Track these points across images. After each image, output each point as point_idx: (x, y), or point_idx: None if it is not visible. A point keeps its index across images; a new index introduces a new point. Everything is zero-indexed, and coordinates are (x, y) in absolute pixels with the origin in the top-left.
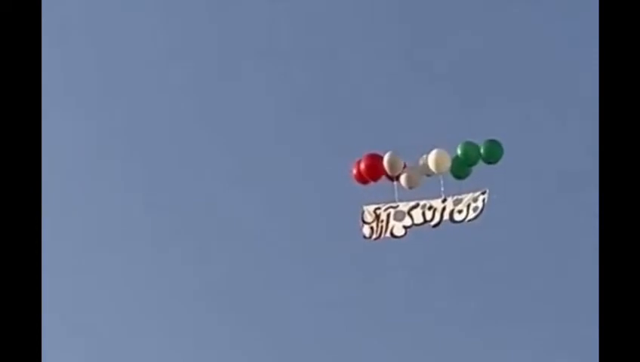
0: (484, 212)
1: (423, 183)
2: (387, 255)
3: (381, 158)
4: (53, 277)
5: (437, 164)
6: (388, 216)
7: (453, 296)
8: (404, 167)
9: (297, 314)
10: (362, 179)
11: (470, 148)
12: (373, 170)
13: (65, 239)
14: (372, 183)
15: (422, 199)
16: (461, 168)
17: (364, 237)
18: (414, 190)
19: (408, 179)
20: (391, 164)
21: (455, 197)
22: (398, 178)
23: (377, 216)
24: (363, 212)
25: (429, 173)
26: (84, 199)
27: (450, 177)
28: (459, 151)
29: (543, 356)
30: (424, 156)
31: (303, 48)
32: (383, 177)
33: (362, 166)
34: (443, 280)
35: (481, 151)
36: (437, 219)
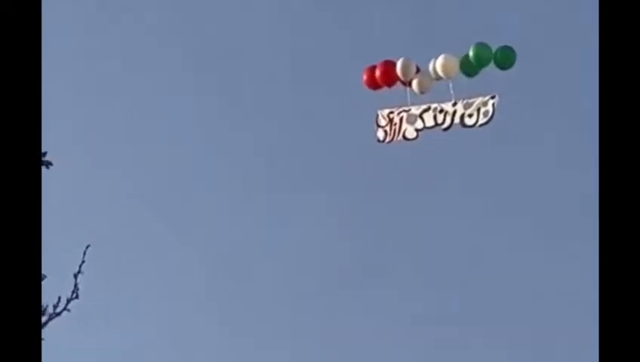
0: (495, 117)
1: (433, 88)
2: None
3: (394, 64)
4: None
5: (445, 69)
6: (401, 119)
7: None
8: (418, 71)
9: (316, 216)
10: (375, 84)
11: (483, 50)
12: (387, 76)
13: None
14: (384, 89)
15: (433, 103)
16: (472, 68)
17: (378, 140)
18: (426, 94)
19: (419, 85)
20: (404, 68)
21: (465, 101)
22: (411, 83)
23: (391, 120)
24: (377, 116)
25: (438, 78)
26: None
27: (461, 80)
28: (471, 53)
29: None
30: (433, 60)
31: None
32: (396, 83)
33: (378, 72)
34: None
35: (496, 55)
36: (448, 122)
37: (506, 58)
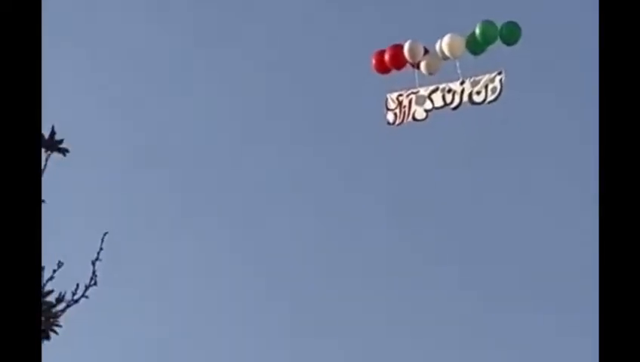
0: (502, 93)
1: (442, 68)
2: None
3: (402, 47)
4: None
5: (451, 48)
6: (410, 101)
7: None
8: (426, 52)
9: (330, 200)
10: (384, 68)
11: (489, 28)
12: (396, 59)
13: None
14: (393, 72)
15: (441, 83)
16: (478, 46)
17: (388, 123)
18: (434, 75)
19: (427, 66)
20: (412, 50)
21: (472, 79)
22: (419, 65)
23: (400, 103)
24: (386, 99)
25: (445, 58)
26: None
27: (468, 58)
28: (477, 31)
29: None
30: (439, 41)
31: None
32: (405, 65)
33: (386, 55)
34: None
35: (502, 31)
36: (457, 101)
37: (511, 34)
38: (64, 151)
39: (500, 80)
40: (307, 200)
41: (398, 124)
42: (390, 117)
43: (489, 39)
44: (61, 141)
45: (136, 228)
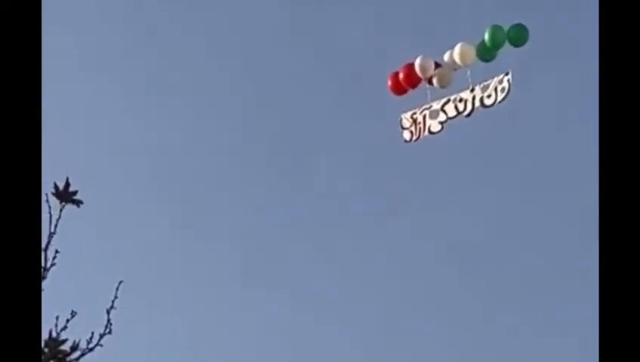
0: (511, 92)
1: (453, 80)
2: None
3: (413, 65)
4: None
5: (462, 56)
6: (424, 117)
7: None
8: (437, 66)
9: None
10: (400, 88)
11: (497, 32)
12: (410, 78)
13: None
14: (410, 92)
15: (452, 95)
16: (488, 53)
17: (405, 141)
18: (446, 88)
19: (440, 79)
20: (422, 66)
21: (482, 85)
22: (431, 79)
23: (414, 120)
24: (401, 119)
25: (456, 68)
26: None
27: (477, 66)
28: (486, 37)
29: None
30: (448, 52)
31: None
32: (420, 83)
33: (401, 75)
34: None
35: (509, 34)
36: (469, 108)
37: (519, 36)
38: (78, 203)
39: (508, 80)
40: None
41: (415, 140)
42: (407, 135)
43: (498, 44)
44: (75, 192)
45: (151, 277)
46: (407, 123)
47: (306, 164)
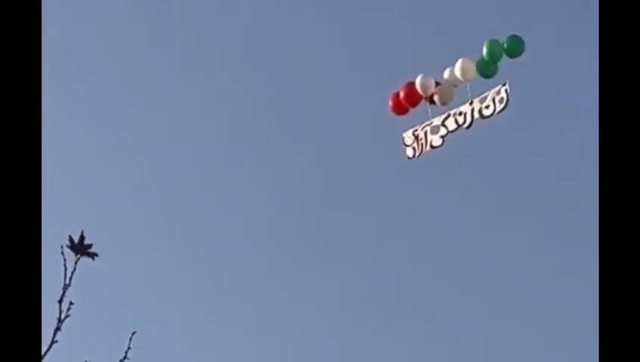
0: (510, 102)
1: (454, 96)
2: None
3: (414, 84)
4: None
5: (463, 72)
6: (425, 133)
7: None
8: (437, 85)
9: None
10: (401, 108)
11: (494, 46)
12: (411, 96)
13: None
14: (410, 111)
15: (452, 109)
16: (488, 68)
17: (409, 158)
18: (447, 105)
19: (440, 96)
20: (423, 85)
21: (480, 97)
22: (432, 98)
23: (416, 137)
24: (403, 138)
25: (456, 84)
26: None
27: (476, 81)
28: (484, 51)
29: None
30: (448, 69)
31: None
32: (421, 101)
33: (402, 94)
34: None
35: (504, 46)
36: (468, 120)
37: (515, 47)
38: (93, 256)
39: (506, 90)
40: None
41: (418, 156)
42: (409, 152)
43: (496, 57)
44: (90, 246)
45: (165, 328)
46: (409, 140)
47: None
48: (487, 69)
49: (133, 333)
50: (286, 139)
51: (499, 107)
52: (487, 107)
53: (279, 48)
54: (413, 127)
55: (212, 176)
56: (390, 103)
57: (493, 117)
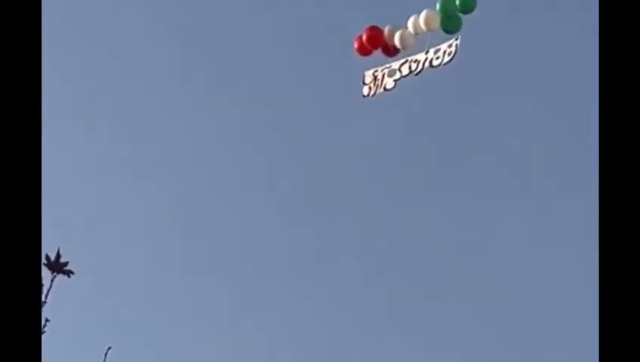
0: (457, 55)
1: (415, 44)
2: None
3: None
4: None
5: (427, 22)
6: (383, 75)
7: None
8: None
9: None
10: (365, 50)
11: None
12: (374, 40)
13: None
14: (374, 53)
15: (410, 56)
16: (448, 23)
17: (363, 95)
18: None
19: (401, 40)
20: (390, 31)
21: (435, 48)
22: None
23: (375, 77)
24: (364, 76)
25: (418, 32)
26: None
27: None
28: (437, 7)
29: None
30: (413, 17)
31: None
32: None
33: (364, 37)
34: None
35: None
36: (419, 67)
37: (467, 4)
38: (69, 273)
39: (456, 45)
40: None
41: (372, 96)
42: (365, 90)
43: (449, 12)
44: (66, 263)
45: (139, 346)
46: (368, 79)
47: None
48: (448, 25)
49: (109, 349)
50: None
51: (446, 59)
52: (437, 58)
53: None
54: (376, 67)
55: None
56: (355, 45)
57: (440, 67)
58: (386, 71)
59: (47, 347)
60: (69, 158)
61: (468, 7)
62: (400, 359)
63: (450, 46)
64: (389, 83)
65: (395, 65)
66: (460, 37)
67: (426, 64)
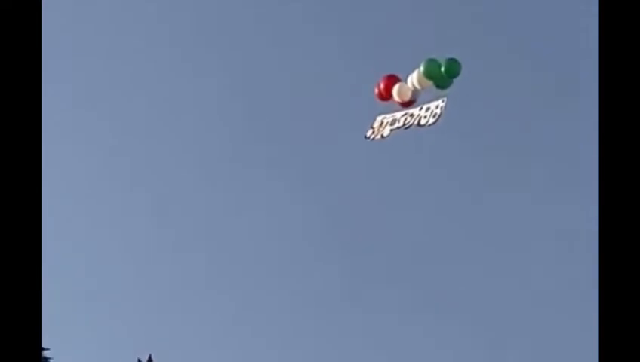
0: (441, 117)
1: (413, 96)
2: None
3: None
4: None
5: (419, 81)
6: (387, 123)
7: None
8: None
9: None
10: (382, 97)
11: (432, 65)
12: (387, 90)
13: None
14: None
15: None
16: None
17: (365, 137)
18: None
19: (399, 93)
20: (400, 90)
21: (427, 105)
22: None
23: (381, 123)
24: (375, 120)
25: (415, 87)
26: None
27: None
28: (421, 69)
29: None
30: (412, 74)
31: None
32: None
33: (381, 86)
34: None
35: (442, 68)
36: (409, 123)
37: (451, 69)
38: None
39: (442, 107)
40: None
41: (371, 139)
42: (368, 132)
43: (432, 75)
44: (47, 349)
45: None
46: (376, 123)
47: None
48: (437, 83)
49: None
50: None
51: (431, 120)
52: (425, 117)
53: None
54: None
55: None
56: (375, 91)
57: (425, 127)
58: (390, 119)
59: None
60: None
61: (453, 73)
62: None
63: (437, 107)
64: (386, 131)
65: (398, 115)
66: (445, 99)
67: (415, 121)
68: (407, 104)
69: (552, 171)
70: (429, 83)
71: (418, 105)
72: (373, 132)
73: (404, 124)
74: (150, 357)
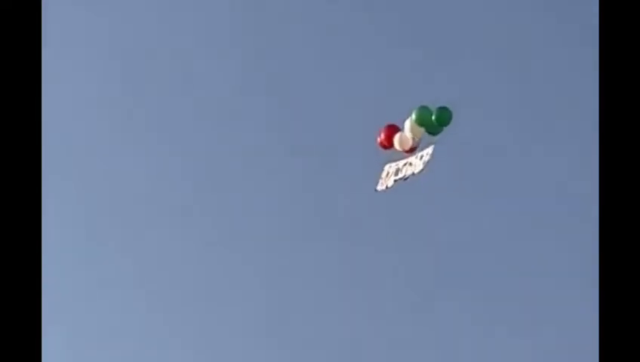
0: (429, 164)
1: (417, 143)
2: None
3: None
4: None
5: (412, 131)
6: (392, 173)
7: None
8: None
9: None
10: (383, 145)
11: (424, 113)
12: (388, 139)
13: None
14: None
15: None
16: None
17: (375, 190)
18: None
19: (399, 143)
20: (401, 140)
21: (420, 153)
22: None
23: (387, 173)
24: (383, 169)
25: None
26: None
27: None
28: (414, 117)
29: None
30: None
31: None
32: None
33: (382, 135)
34: None
35: (433, 116)
36: (408, 174)
37: (442, 117)
38: None
39: (429, 153)
40: None
41: (381, 191)
42: (379, 186)
43: (424, 123)
44: None
45: None
46: (383, 174)
47: None
48: (429, 130)
49: None
50: None
51: (419, 168)
52: (416, 165)
53: None
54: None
55: None
56: (377, 141)
57: (415, 176)
58: (394, 169)
59: None
60: None
61: (443, 121)
62: None
63: (427, 154)
64: (390, 181)
65: (401, 163)
66: (432, 146)
67: (409, 171)
68: (410, 151)
69: None
70: (422, 130)
71: (418, 151)
72: (382, 183)
73: (404, 175)
74: None
